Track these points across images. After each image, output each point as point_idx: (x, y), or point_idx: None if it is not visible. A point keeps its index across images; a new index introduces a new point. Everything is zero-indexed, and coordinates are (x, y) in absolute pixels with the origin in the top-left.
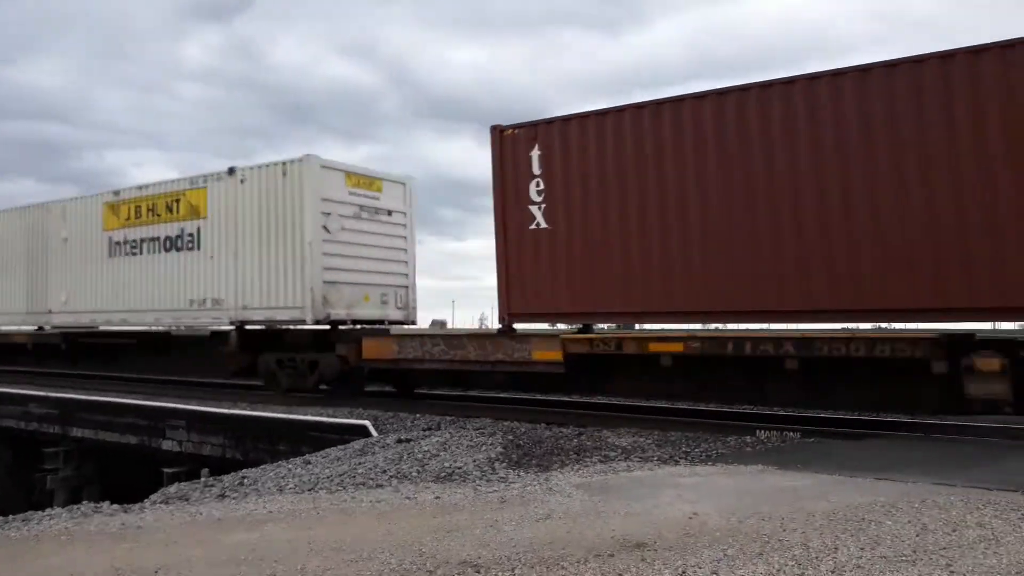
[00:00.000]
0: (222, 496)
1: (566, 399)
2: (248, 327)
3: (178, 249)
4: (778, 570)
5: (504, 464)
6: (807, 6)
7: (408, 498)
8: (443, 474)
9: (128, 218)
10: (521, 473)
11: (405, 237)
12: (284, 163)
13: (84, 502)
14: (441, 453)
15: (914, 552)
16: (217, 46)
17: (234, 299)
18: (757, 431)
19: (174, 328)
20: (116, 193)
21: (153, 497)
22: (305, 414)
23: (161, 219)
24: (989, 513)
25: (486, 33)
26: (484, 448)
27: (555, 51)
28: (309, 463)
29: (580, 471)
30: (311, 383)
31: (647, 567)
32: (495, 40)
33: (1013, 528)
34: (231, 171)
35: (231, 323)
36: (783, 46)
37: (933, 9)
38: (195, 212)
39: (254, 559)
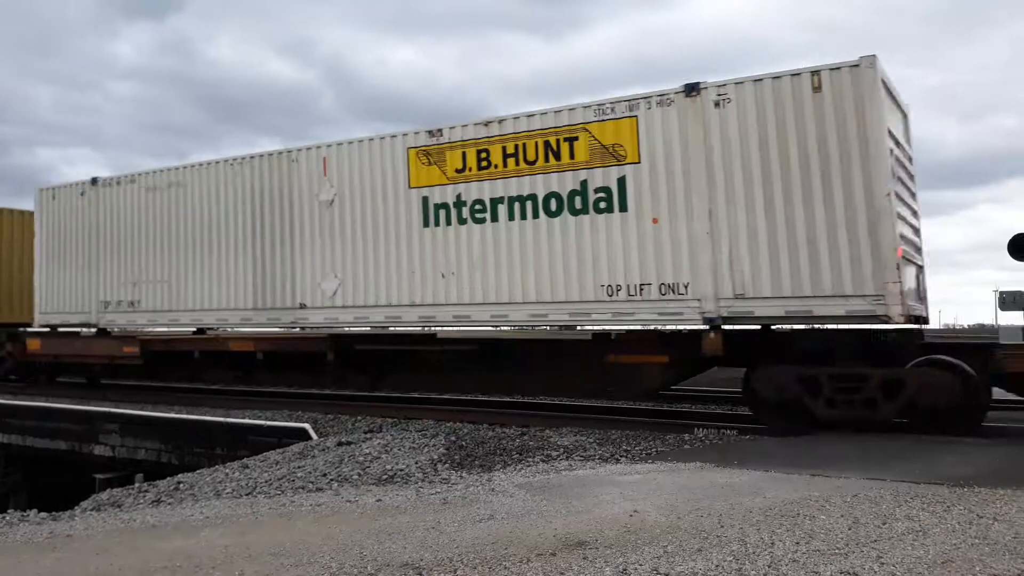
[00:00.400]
0: (157, 502)
1: (509, 400)
2: (734, 326)
3: (576, 211)
4: (717, 566)
5: (447, 465)
6: (741, 14)
7: (349, 501)
8: (385, 476)
9: (464, 168)
10: (464, 474)
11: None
12: (814, 71)
13: (10, 511)
14: (383, 455)
15: (847, 545)
16: (151, 43)
17: (711, 284)
18: (696, 429)
19: (556, 327)
20: (433, 133)
21: (84, 504)
22: (243, 417)
23: (535, 168)
24: (917, 506)
25: (422, 33)
26: (426, 450)
27: (493, 53)
28: (247, 467)
29: (523, 471)
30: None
31: (589, 565)
32: (431, 40)
33: (939, 520)
34: (692, 88)
35: (705, 320)
36: (719, 53)
37: (863, 20)
38: (612, 155)
39: (190, 566)
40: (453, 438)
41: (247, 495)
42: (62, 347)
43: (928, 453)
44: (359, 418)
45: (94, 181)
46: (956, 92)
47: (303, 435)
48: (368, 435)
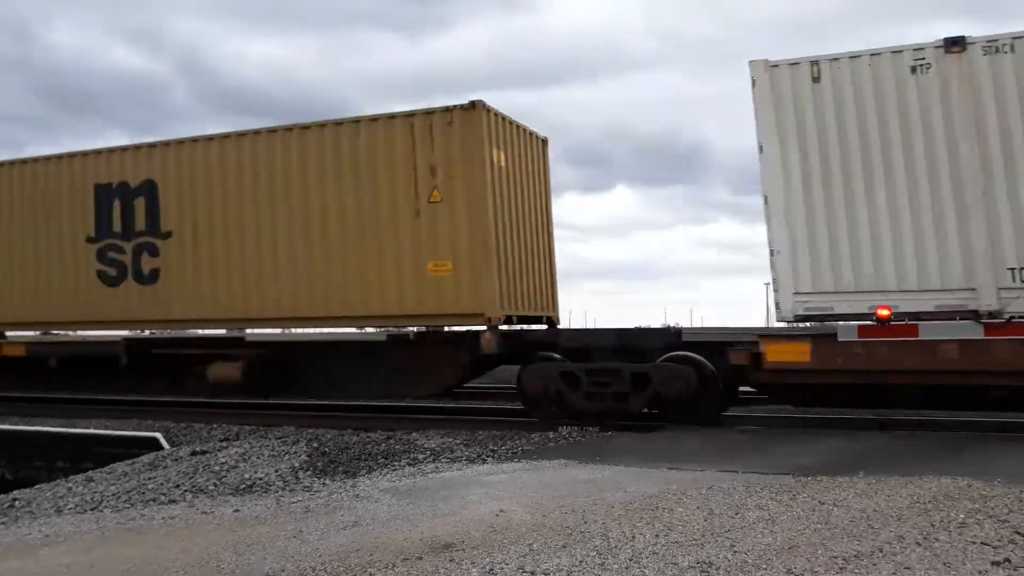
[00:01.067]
0: None
1: (375, 403)
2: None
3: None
4: (580, 561)
5: (309, 473)
6: (597, 21)
7: (204, 513)
8: (243, 486)
9: None
10: (327, 481)
11: None
12: None
13: None
14: (240, 464)
15: (703, 536)
16: None
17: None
18: (560, 427)
19: None
20: None
21: None
22: (88, 427)
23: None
24: (766, 496)
25: (281, 28)
26: (287, 457)
27: (355, 50)
28: (92, 480)
29: (389, 475)
30: None
31: (455, 567)
32: (290, 35)
33: (786, 508)
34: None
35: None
36: (577, 58)
37: (712, 32)
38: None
39: None
40: (315, 444)
41: (92, 510)
42: None
43: (776, 445)
44: (215, 426)
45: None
46: None
47: (154, 445)
48: (224, 443)
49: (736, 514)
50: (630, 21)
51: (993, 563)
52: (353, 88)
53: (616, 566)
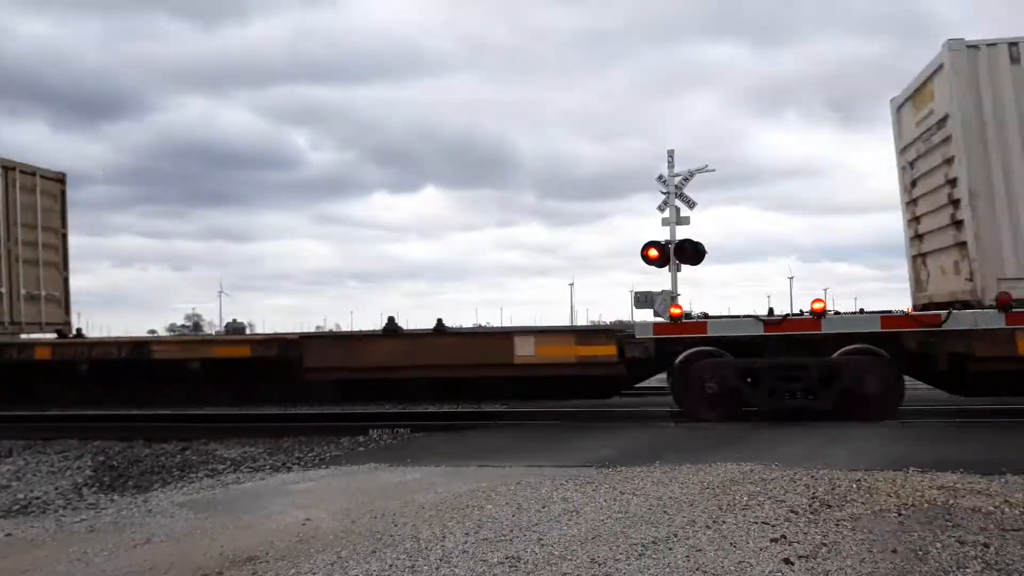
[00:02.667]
0: None
1: (166, 412)
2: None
3: None
4: (391, 565)
5: (94, 489)
6: (400, 21)
7: None
8: (16, 507)
9: None
10: (115, 497)
11: None
12: None
13: None
14: (13, 483)
15: (511, 531)
16: None
17: None
18: (370, 430)
19: None
20: None
21: None
22: None
23: None
24: (571, 488)
25: (57, 6)
26: (69, 473)
27: (144, 36)
28: None
29: (185, 488)
30: None
31: None
32: (68, 15)
33: (589, 499)
34: None
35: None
36: (382, 57)
37: (515, 41)
38: None
39: None
40: (102, 458)
41: None
42: None
43: (581, 439)
44: None
45: None
46: (590, 115)
47: None
48: None
49: (543, 508)
50: (433, 24)
51: (772, 540)
52: (143, 76)
53: (427, 568)
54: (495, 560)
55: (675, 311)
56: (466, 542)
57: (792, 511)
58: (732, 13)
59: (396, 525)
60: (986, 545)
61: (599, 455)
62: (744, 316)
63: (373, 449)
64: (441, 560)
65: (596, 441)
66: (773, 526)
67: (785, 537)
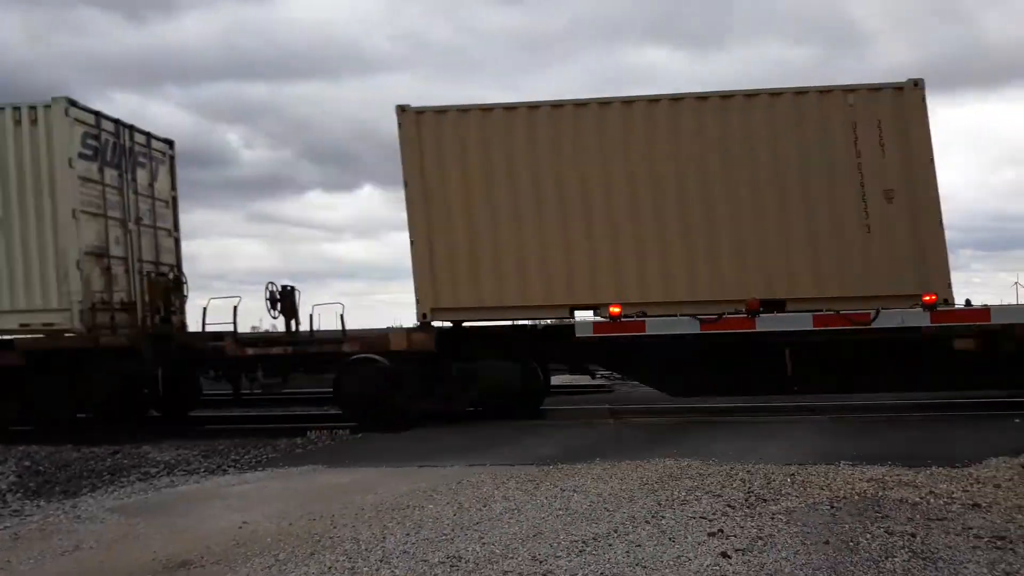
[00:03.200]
0: None
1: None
2: None
3: None
4: (330, 567)
5: (19, 495)
6: (337, 19)
7: None
8: None
9: None
10: (41, 503)
11: None
12: None
13: None
14: None
15: (453, 530)
16: None
17: None
18: (308, 432)
19: None
20: None
21: None
22: None
23: None
24: (512, 486)
25: None
26: None
27: (72, 29)
28: None
29: (115, 493)
30: None
31: None
32: None
33: (530, 497)
34: None
35: None
36: (319, 55)
37: (456, 40)
38: None
39: None
40: (27, 463)
41: None
42: None
43: (523, 437)
44: None
45: None
46: None
47: None
48: None
49: (484, 506)
50: (371, 21)
51: (710, 534)
52: (70, 70)
53: (366, 569)
54: (436, 560)
55: (614, 310)
56: (406, 542)
57: (729, 505)
58: (671, 18)
59: (335, 527)
60: (913, 535)
61: (541, 454)
62: (682, 315)
63: (312, 451)
64: (381, 561)
65: (538, 440)
66: (711, 520)
67: (722, 531)
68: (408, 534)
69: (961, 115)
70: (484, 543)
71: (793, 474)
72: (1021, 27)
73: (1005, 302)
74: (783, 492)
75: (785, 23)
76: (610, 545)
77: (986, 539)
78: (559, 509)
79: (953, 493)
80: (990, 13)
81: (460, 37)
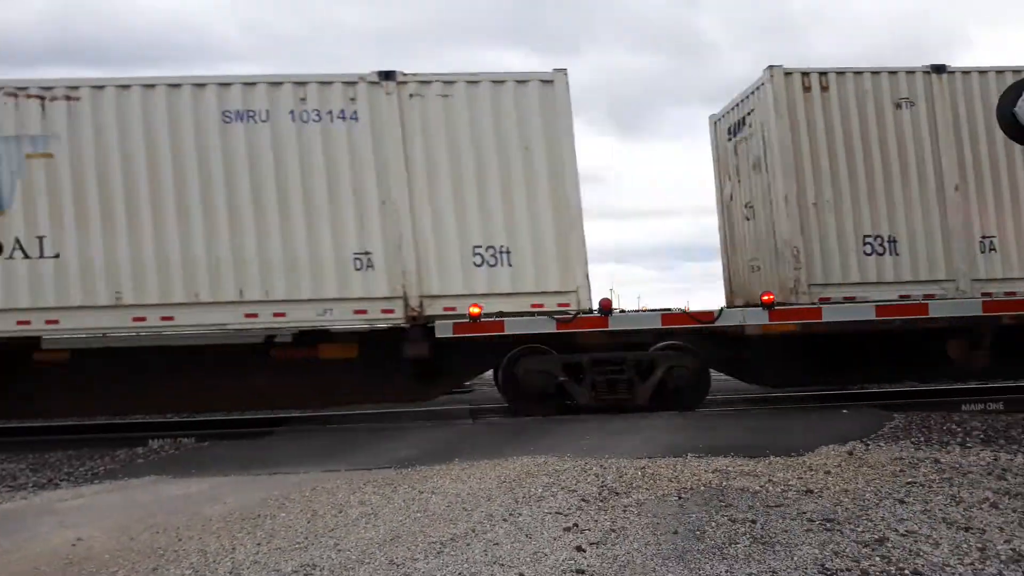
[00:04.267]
0: None
1: None
2: None
3: None
4: None
5: None
6: (179, 5)
7: None
8: None
9: None
10: None
11: None
12: None
13: None
14: None
15: (306, 539)
16: None
17: None
18: (150, 441)
19: None
20: None
21: None
22: None
23: None
24: (369, 491)
25: None
26: None
27: None
28: None
29: None
30: None
31: None
32: None
33: (388, 501)
34: None
35: None
36: (164, 44)
37: (300, 30)
38: None
39: None
40: None
41: None
42: None
43: (380, 440)
44: None
45: None
46: None
47: None
48: None
49: (339, 512)
50: (218, 10)
51: (565, 529)
52: None
53: None
54: (289, 569)
55: (474, 310)
56: (257, 552)
57: (583, 500)
58: (528, 22)
59: (180, 540)
60: (753, 521)
61: (399, 456)
62: (538, 314)
63: (154, 461)
64: (230, 573)
65: (396, 442)
66: (566, 515)
67: (577, 525)
68: (259, 544)
69: None
70: (340, 550)
71: (644, 467)
72: (841, 48)
73: None
74: (635, 485)
75: (637, 31)
76: (468, 545)
77: (818, 522)
78: (417, 511)
79: (789, 481)
80: (816, 30)
81: (314, 31)
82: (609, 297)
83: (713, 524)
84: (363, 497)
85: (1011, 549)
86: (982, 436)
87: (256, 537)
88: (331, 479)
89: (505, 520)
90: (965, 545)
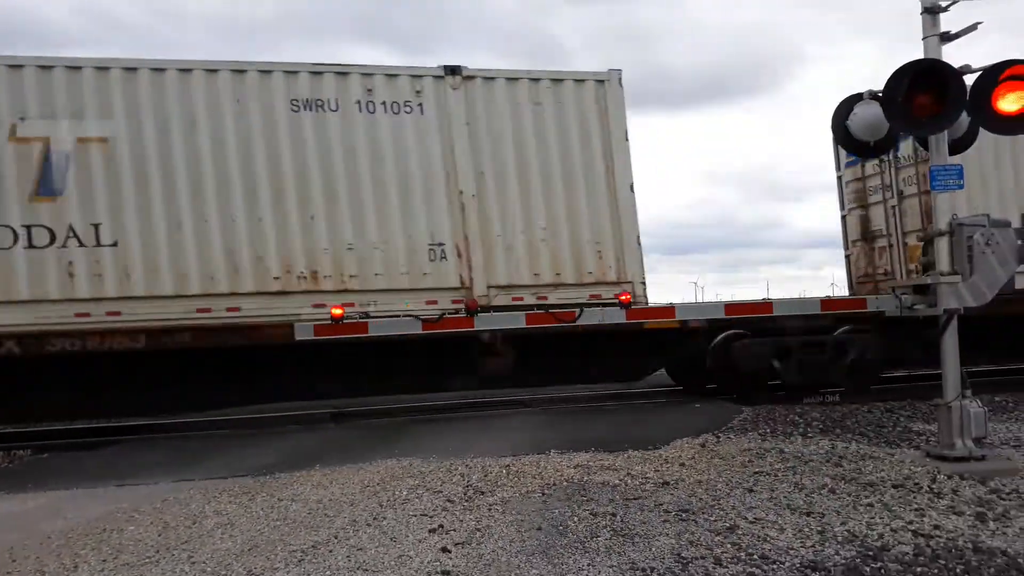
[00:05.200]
0: None
1: None
2: None
3: None
4: None
5: None
6: None
7: None
8: None
9: None
10: None
11: None
12: None
13: None
14: None
15: (157, 552)
16: None
17: None
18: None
19: None
20: None
21: None
22: None
23: None
24: (225, 500)
25: None
26: None
27: None
28: None
29: None
30: None
31: None
32: None
33: (245, 510)
34: None
35: None
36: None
37: (146, 20)
38: None
39: None
40: None
41: None
42: None
43: (236, 447)
44: None
45: None
46: None
47: None
48: None
49: (194, 523)
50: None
51: (430, 530)
52: None
53: None
54: None
55: (336, 311)
56: (103, 570)
57: (449, 500)
58: (382, 19)
59: (15, 560)
60: (614, 514)
61: (257, 463)
62: (404, 315)
63: None
64: None
65: (255, 449)
66: (431, 517)
67: (443, 527)
68: (104, 560)
69: (648, 133)
70: (194, 562)
71: (508, 465)
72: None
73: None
74: (499, 483)
75: (493, 34)
76: (331, 551)
77: (674, 513)
78: (276, 519)
79: (647, 474)
80: (666, 42)
81: (153, 18)
82: (475, 299)
83: (576, 519)
84: (219, 507)
85: (847, 531)
86: (821, 426)
87: (101, 553)
88: (185, 489)
89: (369, 525)
90: (807, 529)
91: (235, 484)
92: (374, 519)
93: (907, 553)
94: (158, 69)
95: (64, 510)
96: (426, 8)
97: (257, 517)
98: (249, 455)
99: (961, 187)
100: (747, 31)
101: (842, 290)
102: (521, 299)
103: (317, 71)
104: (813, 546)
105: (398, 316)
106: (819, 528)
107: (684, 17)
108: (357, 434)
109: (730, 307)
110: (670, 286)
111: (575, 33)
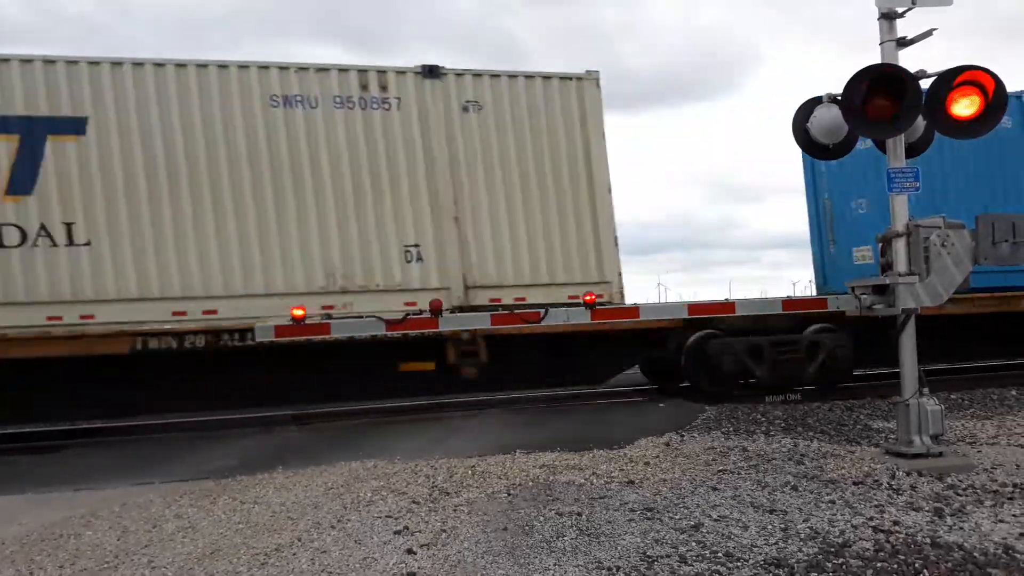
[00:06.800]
0: None
1: None
2: None
3: None
4: None
5: None
6: None
7: None
8: None
9: None
10: None
11: None
12: None
13: None
14: None
15: (116, 557)
16: None
17: None
18: None
19: None
20: None
21: None
22: None
23: None
24: (185, 503)
25: None
26: None
27: None
28: None
29: None
30: None
31: None
32: None
33: (207, 513)
34: None
35: None
36: None
37: (96, 15)
38: None
39: None
40: None
41: None
42: None
43: (195, 450)
44: None
45: None
46: None
47: None
48: None
49: (154, 528)
50: None
51: (395, 532)
52: None
53: None
54: None
55: (297, 312)
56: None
57: (414, 502)
58: (335, 17)
59: None
60: (579, 514)
61: (218, 466)
62: (367, 317)
63: None
64: None
65: (216, 451)
66: (396, 519)
67: (408, 528)
68: (62, 567)
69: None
70: (155, 567)
71: (474, 466)
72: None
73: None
74: (465, 484)
75: (452, 35)
76: (294, 555)
77: (639, 511)
78: (239, 523)
79: (612, 473)
80: (626, 43)
81: (103, 13)
82: (440, 299)
83: (541, 519)
84: (179, 510)
85: (809, 528)
86: (783, 425)
87: (58, 559)
88: (144, 493)
89: (333, 527)
90: (770, 526)
91: (196, 487)
92: (338, 521)
93: (868, 549)
94: (116, 63)
95: (19, 515)
96: (378, 7)
97: (219, 520)
98: (209, 458)
99: (918, 189)
100: (705, 33)
101: (808, 290)
102: (499, 300)
103: (284, 66)
104: (777, 543)
105: (361, 317)
106: (782, 525)
107: (643, 18)
108: (321, 436)
109: (693, 307)
110: (633, 285)
111: (533, 33)
